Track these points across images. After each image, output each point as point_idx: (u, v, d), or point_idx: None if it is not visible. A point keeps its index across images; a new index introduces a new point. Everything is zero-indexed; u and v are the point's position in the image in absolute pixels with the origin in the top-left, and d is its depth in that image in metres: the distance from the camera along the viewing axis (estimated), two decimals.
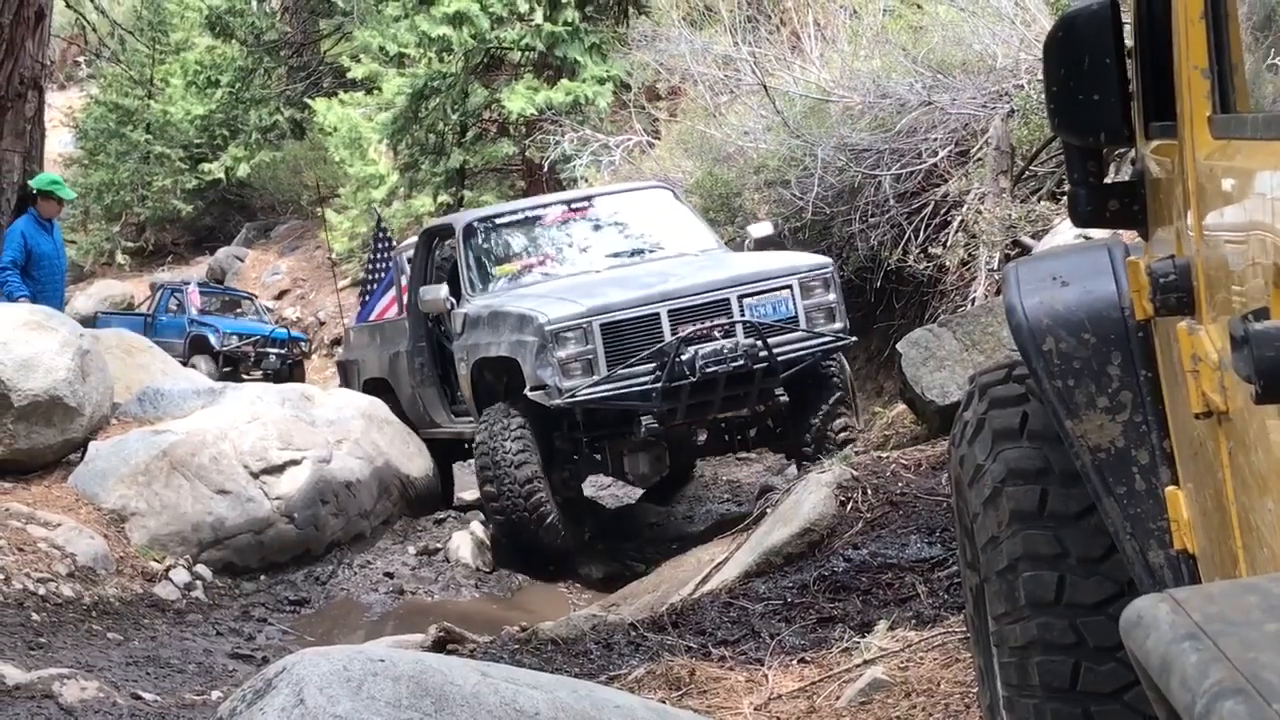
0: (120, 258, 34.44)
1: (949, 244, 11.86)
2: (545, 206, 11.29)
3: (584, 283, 10.21)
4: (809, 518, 7.22)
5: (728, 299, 9.56)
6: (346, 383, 13.00)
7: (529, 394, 9.49)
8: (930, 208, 12.76)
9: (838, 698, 5.26)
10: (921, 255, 12.16)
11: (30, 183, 11.67)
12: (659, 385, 9.25)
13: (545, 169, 20.78)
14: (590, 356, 9.31)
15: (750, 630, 6.33)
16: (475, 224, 11.13)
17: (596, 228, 11.24)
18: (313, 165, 32.02)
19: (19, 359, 9.58)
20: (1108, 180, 3.19)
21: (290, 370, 25.51)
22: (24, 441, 9.64)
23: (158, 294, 27.37)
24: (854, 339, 10.08)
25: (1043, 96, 3.08)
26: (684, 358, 9.24)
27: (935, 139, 12.91)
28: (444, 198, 24.12)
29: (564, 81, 22.46)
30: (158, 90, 34.53)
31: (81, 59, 40.74)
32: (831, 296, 9.86)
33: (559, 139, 20.04)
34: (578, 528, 10.13)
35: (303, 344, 26.76)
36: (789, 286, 9.74)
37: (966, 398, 3.70)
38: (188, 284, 27.83)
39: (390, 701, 3.63)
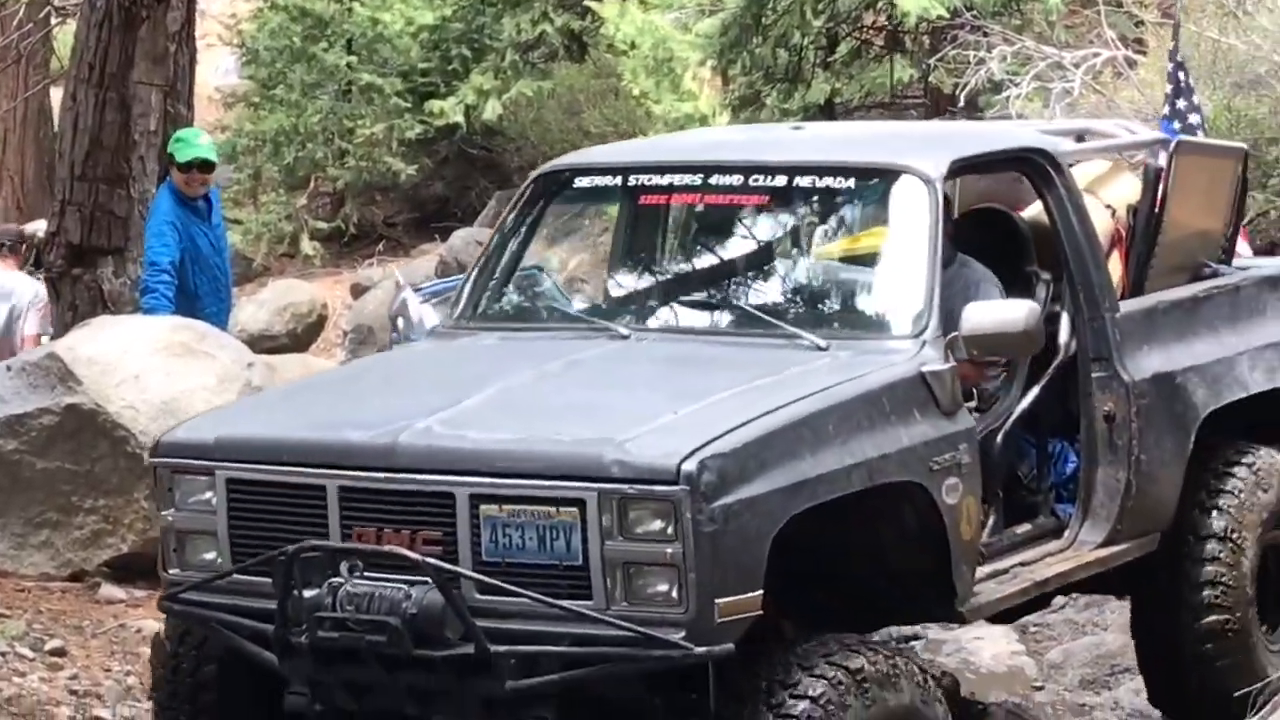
0: (307, 245, 30.34)
1: None
2: (669, 172, 8.43)
3: (479, 368, 7.81)
4: None
5: (451, 496, 6.67)
6: None
7: None
8: None
9: None
10: None
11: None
12: (274, 630, 7.00)
13: (960, 103, 19.69)
14: (213, 529, 7.20)
15: None
16: (556, 173, 8.83)
17: (749, 235, 8.44)
18: (599, 102, 29.90)
19: (157, 401, 9.77)
20: None
21: None
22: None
23: (397, 300, 24.45)
24: (701, 651, 6.43)
25: None
26: (309, 592, 6.80)
27: None
28: None
29: None
30: None
31: None
32: (670, 550, 6.41)
33: (983, 56, 18.74)
34: None
35: None
36: (579, 503, 6.46)
37: None
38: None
39: None
